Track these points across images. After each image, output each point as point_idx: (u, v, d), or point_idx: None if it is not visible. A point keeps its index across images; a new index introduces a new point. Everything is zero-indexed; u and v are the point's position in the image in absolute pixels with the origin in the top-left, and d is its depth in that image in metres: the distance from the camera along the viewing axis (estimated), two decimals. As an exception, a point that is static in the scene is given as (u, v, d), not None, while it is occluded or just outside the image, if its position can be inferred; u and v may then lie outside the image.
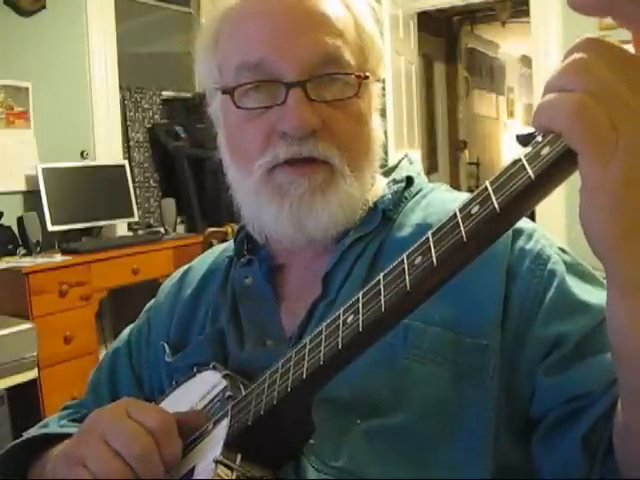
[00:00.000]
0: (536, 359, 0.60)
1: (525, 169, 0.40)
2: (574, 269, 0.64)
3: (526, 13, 3.71)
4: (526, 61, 7.85)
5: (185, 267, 0.86)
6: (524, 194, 0.40)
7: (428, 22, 5.48)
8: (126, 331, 0.87)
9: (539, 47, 3.41)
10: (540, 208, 3.27)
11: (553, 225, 3.10)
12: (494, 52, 7.95)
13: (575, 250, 0.68)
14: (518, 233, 0.65)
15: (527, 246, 0.64)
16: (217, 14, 0.73)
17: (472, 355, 0.60)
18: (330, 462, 0.58)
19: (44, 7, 3.16)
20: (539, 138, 0.40)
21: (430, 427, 0.58)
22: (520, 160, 0.41)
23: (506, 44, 7.83)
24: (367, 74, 0.69)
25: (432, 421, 0.59)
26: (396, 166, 0.79)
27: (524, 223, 0.67)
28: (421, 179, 0.77)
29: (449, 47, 6.86)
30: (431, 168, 6.33)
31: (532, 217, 3.23)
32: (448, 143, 6.83)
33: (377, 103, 0.74)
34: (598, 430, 0.54)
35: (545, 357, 0.59)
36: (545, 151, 0.39)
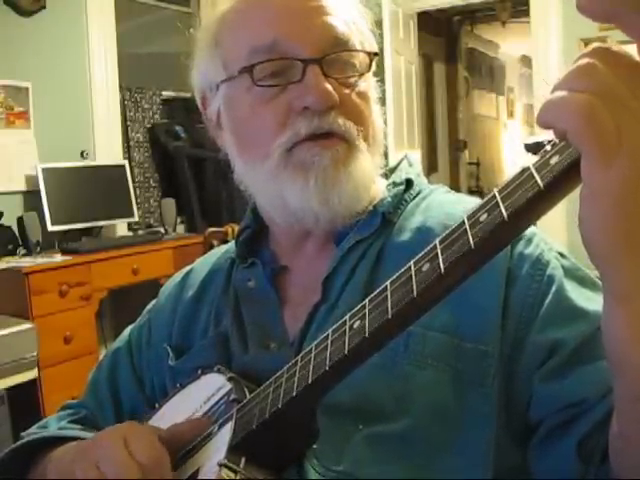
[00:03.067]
0: (534, 365, 0.60)
1: (534, 178, 0.40)
2: (572, 274, 0.63)
3: (526, 13, 3.71)
4: (526, 61, 7.84)
5: (186, 269, 0.86)
6: (533, 203, 0.40)
7: (428, 22, 5.48)
8: (126, 331, 0.86)
9: (539, 47, 3.41)
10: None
11: (554, 228, 3.09)
12: (494, 52, 7.95)
13: (576, 254, 0.67)
14: (518, 237, 0.65)
15: (526, 251, 0.64)
16: (212, 19, 0.73)
17: (473, 361, 0.60)
18: (332, 466, 0.58)
19: (44, 7, 3.16)
20: (548, 147, 0.40)
21: (432, 433, 0.58)
22: (529, 169, 0.41)
23: (506, 44, 7.83)
24: (376, 52, 0.72)
25: (434, 427, 0.59)
26: (395, 168, 0.79)
27: None
28: (420, 181, 0.77)
29: (449, 47, 6.86)
30: (431, 168, 6.33)
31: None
32: (448, 143, 6.83)
33: (376, 94, 0.75)
34: (594, 437, 0.54)
35: (542, 363, 0.59)
36: (554, 160, 0.39)
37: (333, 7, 0.69)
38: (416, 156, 4.10)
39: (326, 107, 0.65)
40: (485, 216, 0.42)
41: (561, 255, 0.65)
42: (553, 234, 0.71)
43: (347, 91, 0.68)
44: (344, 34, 0.68)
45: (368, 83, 0.72)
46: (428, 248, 0.46)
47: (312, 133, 0.66)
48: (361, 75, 0.70)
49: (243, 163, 0.72)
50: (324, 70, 0.66)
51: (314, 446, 0.58)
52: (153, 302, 0.87)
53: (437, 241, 0.46)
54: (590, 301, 0.61)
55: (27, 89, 3.10)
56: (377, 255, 0.68)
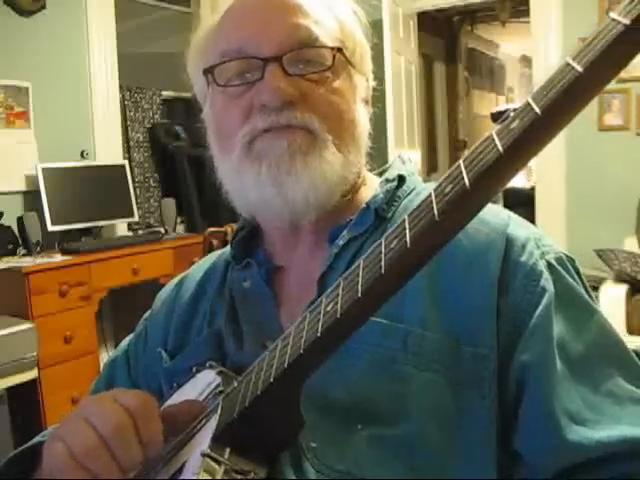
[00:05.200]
0: (514, 384, 0.60)
1: (494, 143, 0.40)
2: (560, 290, 0.62)
3: (526, 13, 3.71)
4: (526, 61, 7.84)
5: (181, 275, 0.86)
6: (493, 168, 0.40)
7: (428, 22, 5.48)
8: (125, 341, 0.87)
9: (539, 47, 3.40)
10: (540, 210, 3.26)
11: (553, 229, 3.09)
12: (494, 52, 7.95)
13: (575, 256, 0.68)
14: (511, 243, 0.64)
15: (521, 259, 0.63)
16: (204, 27, 0.75)
17: (471, 364, 0.60)
18: (334, 465, 0.58)
19: (44, 7, 3.16)
20: (511, 114, 0.41)
21: (432, 434, 0.58)
22: (491, 135, 0.41)
23: (506, 44, 7.82)
24: (340, 47, 0.70)
25: (433, 428, 0.58)
26: (389, 166, 0.79)
27: (518, 229, 0.66)
28: (414, 178, 0.76)
29: (449, 47, 6.86)
30: (431, 168, 6.32)
31: (532, 221, 3.22)
32: (448, 143, 6.82)
33: (362, 93, 0.74)
34: None
35: (517, 386, 0.60)
36: (514, 125, 0.40)
37: (305, 7, 0.69)
38: (416, 156, 4.09)
39: (281, 103, 0.65)
40: (450, 187, 0.42)
41: (549, 265, 0.64)
42: (553, 235, 0.71)
43: (314, 87, 0.68)
44: (311, 33, 0.68)
45: (345, 79, 0.71)
46: (398, 223, 0.46)
47: (269, 127, 0.66)
48: (333, 72, 0.69)
49: (219, 161, 0.73)
50: (285, 68, 0.66)
51: (312, 444, 0.58)
52: (149, 311, 0.87)
53: (406, 215, 0.45)
54: (571, 332, 0.61)
55: (27, 89, 3.10)
56: None
